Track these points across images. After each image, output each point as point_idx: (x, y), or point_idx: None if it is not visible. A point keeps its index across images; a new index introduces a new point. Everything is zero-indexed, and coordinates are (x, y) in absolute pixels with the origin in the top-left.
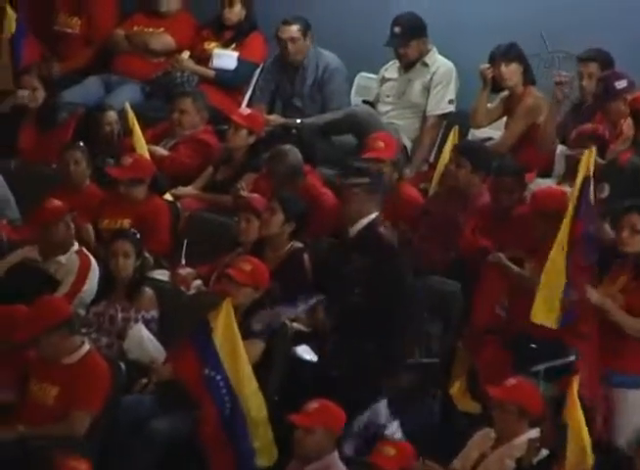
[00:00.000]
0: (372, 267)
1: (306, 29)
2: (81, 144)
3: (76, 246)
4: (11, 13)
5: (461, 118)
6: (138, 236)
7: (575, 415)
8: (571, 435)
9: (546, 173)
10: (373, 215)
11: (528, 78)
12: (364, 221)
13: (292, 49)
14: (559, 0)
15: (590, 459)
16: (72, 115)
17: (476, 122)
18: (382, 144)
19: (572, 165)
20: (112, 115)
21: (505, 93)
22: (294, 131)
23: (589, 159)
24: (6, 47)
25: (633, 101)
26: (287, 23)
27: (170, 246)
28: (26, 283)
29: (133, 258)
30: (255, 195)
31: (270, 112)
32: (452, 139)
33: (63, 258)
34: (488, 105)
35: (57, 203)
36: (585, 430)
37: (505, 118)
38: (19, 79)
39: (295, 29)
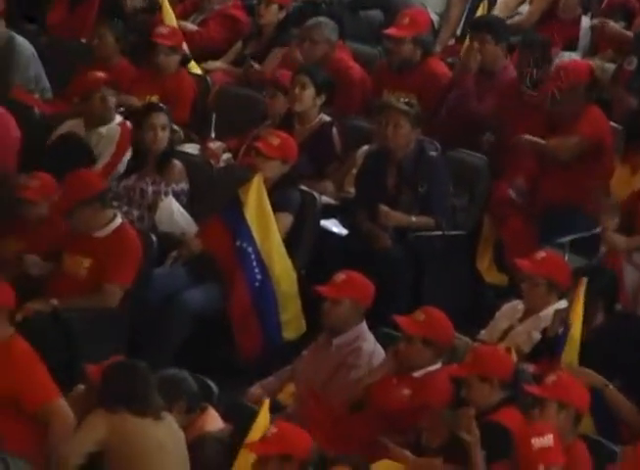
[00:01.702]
0: None
1: None
2: (115, 19)
3: (119, 119)
4: None
5: None
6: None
7: (577, 313)
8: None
9: (571, 47)
10: None
11: None
12: None
13: None
14: None
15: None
16: None
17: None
18: (406, 20)
19: (598, 38)
20: None
21: None
22: (323, 6)
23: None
24: None
25: None
26: None
27: (193, 120)
28: (67, 156)
29: (168, 131)
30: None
31: None
32: (482, 12)
33: (104, 129)
34: None
35: (93, 75)
36: (580, 325)
37: None
38: None
39: None
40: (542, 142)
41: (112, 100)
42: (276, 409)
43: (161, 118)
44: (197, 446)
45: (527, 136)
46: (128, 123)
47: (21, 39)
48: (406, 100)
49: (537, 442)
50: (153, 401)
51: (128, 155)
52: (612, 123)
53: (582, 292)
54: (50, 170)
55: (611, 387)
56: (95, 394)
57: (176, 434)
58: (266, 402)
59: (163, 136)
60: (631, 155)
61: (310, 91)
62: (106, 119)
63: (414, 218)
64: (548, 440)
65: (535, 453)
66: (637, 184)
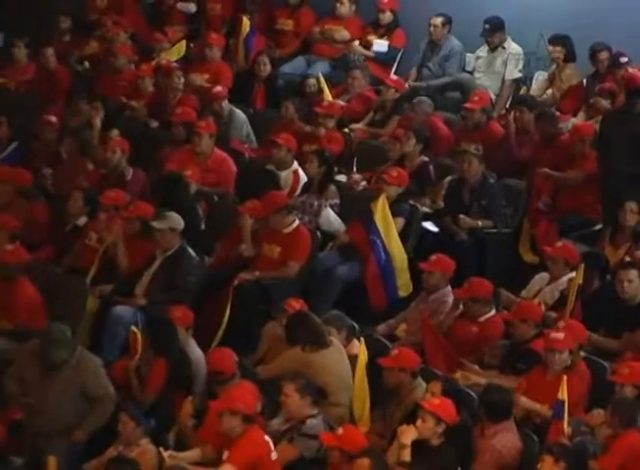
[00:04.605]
0: None
1: (446, 22)
2: (295, 99)
3: (294, 166)
4: (246, 21)
5: (526, 81)
6: (326, 153)
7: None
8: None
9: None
10: None
11: (569, 57)
12: None
13: (434, 33)
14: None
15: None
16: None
17: None
18: (477, 98)
19: (592, 109)
20: (313, 81)
21: (553, 67)
22: (423, 90)
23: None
24: (241, 44)
25: (623, 78)
26: (436, 15)
27: (342, 160)
28: (265, 182)
29: (316, 164)
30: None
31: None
32: (523, 92)
33: (283, 174)
34: (540, 77)
35: (284, 135)
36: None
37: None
38: (248, 59)
39: (439, 20)
40: (558, 174)
41: (282, 152)
42: (394, 339)
43: (312, 157)
44: None
45: (548, 170)
46: (300, 171)
47: (238, 111)
48: (475, 147)
49: (552, 335)
50: (325, 336)
51: (299, 189)
52: None
53: (581, 270)
54: (255, 192)
55: (593, 336)
56: (284, 329)
57: (343, 355)
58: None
59: (310, 167)
60: (612, 240)
61: (412, 140)
62: (286, 164)
63: (480, 222)
64: (560, 335)
65: (546, 341)
66: (619, 257)
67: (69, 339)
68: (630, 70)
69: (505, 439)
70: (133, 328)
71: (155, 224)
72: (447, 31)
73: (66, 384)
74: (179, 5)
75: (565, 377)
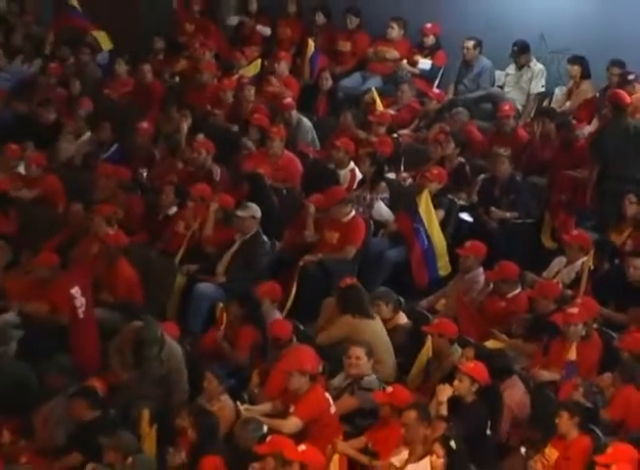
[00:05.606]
0: None
1: (477, 44)
2: (352, 107)
3: (351, 166)
4: (311, 43)
5: (547, 95)
6: (377, 155)
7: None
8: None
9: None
10: None
11: (585, 74)
12: None
13: (467, 54)
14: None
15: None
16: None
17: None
18: (507, 108)
19: (603, 118)
20: (369, 95)
21: (570, 83)
22: (460, 102)
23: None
24: (307, 62)
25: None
26: (468, 39)
27: (391, 160)
28: (326, 180)
29: (367, 164)
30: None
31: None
32: (545, 104)
33: (342, 172)
34: (560, 92)
35: (342, 139)
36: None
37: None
38: (313, 75)
39: (471, 44)
40: (576, 174)
41: (340, 154)
42: (434, 312)
43: (364, 159)
44: (393, 331)
45: (569, 171)
46: (356, 170)
47: (304, 118)
48: (505, 150)
49: (569, 309)
50: (370, 309)
51: (355, 185)
52: None
53: (591, 256)
54: (318, 187)
55: (604, 310)
56: (337, 302)
57: (383, 328)
58: None
59: (363, 167)
60: (616, 227)
61: (451, 144)
62: (344, 164)
63: (508, 214)
64: (575, 310)
65: (564, 315)
66: (622, 239)
67: (160, 337)
68: (637, 86)
69: (512, 395)
70: (219, 303)
71: (239, 213)
72: (478, 52)
73: (153, 373)
74: (258, 27)
75: (575, 342)
